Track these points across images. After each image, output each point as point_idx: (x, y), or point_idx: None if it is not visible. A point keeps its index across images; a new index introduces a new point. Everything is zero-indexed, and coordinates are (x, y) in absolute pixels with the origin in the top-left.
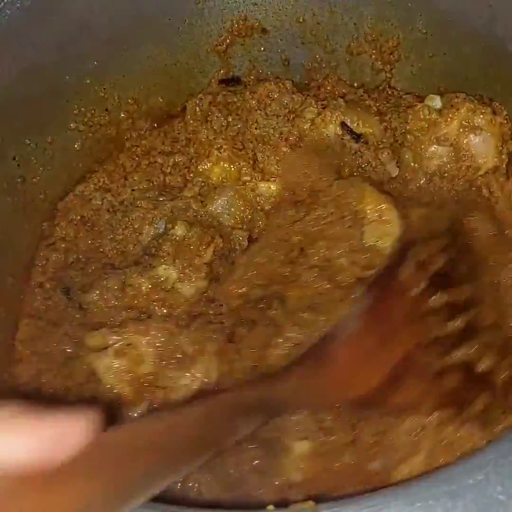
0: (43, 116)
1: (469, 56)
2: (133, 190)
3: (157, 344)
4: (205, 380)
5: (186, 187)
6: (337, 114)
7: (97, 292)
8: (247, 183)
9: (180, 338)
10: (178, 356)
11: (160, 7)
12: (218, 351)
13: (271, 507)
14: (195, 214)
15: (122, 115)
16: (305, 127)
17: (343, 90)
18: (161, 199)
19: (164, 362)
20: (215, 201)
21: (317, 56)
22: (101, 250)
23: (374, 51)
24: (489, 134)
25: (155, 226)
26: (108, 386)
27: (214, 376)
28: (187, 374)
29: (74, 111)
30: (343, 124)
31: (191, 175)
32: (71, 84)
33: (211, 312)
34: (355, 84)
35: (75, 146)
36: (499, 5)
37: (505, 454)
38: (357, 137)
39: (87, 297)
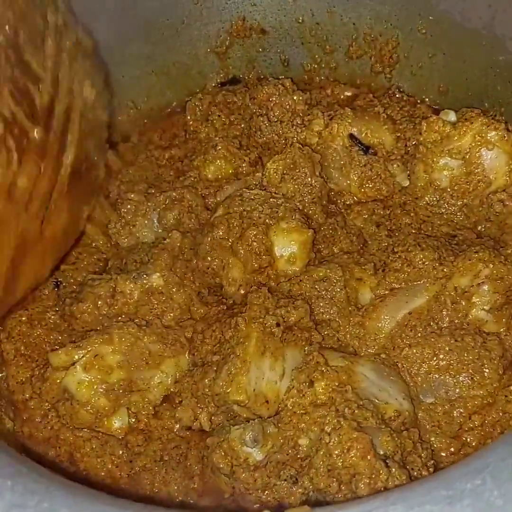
0: None
1: (469, 55)
2: (121, 183)
3: (124, 350)
4: (177, 373)
5: (178, 180)
6: (344, 125)
7: (90, 302)
8: None
9: (144, 339)
10: (146, 357)
11: (159, 8)
12: (183, 342)
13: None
14: (190, 203)
15: (119, 118)
16: (313, 142)
17: (347, 93)
18: (151, 191)
19: (134, 366)
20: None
21: (316, 56)
22: (94, 244)
23: (373, 52)
24: (501, 150)
25: (148, 217)
26: (84, 400)
27: (185, 365)
28: (159, 372)
29: None
30: (351, 136)
31: (185, 168)
32: None
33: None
34: (357, 83)
35: None
36: (499, 5)
37: (502, 459)
38: (365, 149)
39: (80, 307)
